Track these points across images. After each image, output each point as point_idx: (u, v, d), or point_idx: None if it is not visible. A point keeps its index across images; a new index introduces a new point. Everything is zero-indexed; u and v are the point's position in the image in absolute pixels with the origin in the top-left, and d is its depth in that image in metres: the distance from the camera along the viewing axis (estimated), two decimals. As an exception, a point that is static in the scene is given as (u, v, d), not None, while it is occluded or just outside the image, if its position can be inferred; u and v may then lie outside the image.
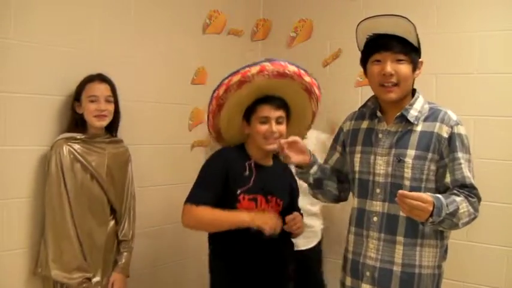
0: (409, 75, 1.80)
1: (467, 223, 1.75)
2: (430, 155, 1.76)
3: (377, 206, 1.84)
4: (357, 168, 1.91)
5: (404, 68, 1.78)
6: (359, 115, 2.00)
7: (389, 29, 1.80)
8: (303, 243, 2.78)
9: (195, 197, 2.10)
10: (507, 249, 2.75)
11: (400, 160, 1.78)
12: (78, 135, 2.23)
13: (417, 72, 1.84)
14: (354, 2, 3.20)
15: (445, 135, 1.76)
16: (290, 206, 2.26)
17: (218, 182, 2.11)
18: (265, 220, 2.00)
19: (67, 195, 2.16)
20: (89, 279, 2.17)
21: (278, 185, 2.22)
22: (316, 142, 2.86)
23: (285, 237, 2.18)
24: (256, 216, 2.02)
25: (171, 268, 2.93)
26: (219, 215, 2.05)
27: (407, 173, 1.77)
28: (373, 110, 1.90)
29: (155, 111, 2.79)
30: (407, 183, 1.77)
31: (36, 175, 2.25)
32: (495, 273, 2.77)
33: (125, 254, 2.38)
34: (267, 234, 1.98)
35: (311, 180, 2.00)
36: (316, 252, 2.97)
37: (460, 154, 1.76)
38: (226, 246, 2.15)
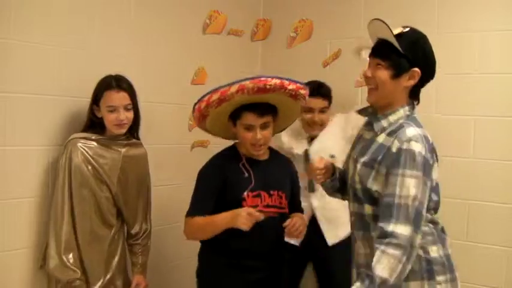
0: (386, 80, 1.77)
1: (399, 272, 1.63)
2: (376, 165, 1.75)
3: (351, 206, 1.92)
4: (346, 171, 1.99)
5: (380, 73, 1.78)
6: (365, 123, 2.01)
7: (374, 33, 1.82)
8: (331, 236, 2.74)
9: (192, 210, 2.17)
10: (507, 249, 2.75)
11: (355, 165, 1.84)
12: (94, 136, 2.22)
13: (409, 81, 1.78)
14: (354, 2, 3.20)
15: (394, 150, 1.72)
16: (291, 200, 2.27)
17: (214, 192, 2.14)
18: (238, 220, 2.01)
19: (69, 195, 2.15)
20: (80, 279, 2.15)
21: (277, 178, 2.23)
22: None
23: (280, 225, 2.18)
24: (226, 218, 2.05)
25: (171, 268, 2.93)
26: (206, 222, 2.11)
27: (357, 177, 1.81)
28: (370, 116, 1.92)
29: (155, 111, 2.79)
30: (358, 186, 1.82)
31: (36, 175, 2.25)
32: (495, 273, 2.78)
33: (140, 256, 2.39)
34: (246, 230, 2.01)
35: (329, 186, 2.10)
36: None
37: (400, 170, 1.68)
38: (219, 241, 2.15)
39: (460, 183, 2.82)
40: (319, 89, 2.78)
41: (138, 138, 2.40)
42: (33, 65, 2.22)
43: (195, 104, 2.15)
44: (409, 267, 1.64)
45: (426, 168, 1.69)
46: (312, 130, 2.82)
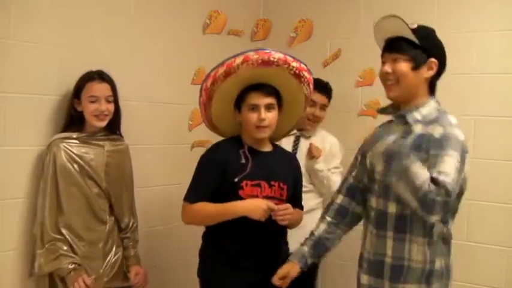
0: (407, 72, 1.79)
1: (416, 188, 1.61)
2: (418, 155, 1.73)
3: (373, 202, 1.89)
4: (368, 167, 1.94)
5: (400, 66, 1.80)
6: (382, 124, 2.00)
7: (388, 31, 1.83)
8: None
9: (191, 195, 2.16)
10: (507, 249, 2.75)
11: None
12: (75, 134, 2.23)
13: (429, 72, 1.82)
14: (354, 2, 3.20)
15: (437, 135, 1.74)
16: (293, 195, 2.25)
17: (214, 177, 2.13)
18: (252, 209, 2.02)
19: (55, 194, 2.16)
20: (79, 264, 2.15)
21: (280, 170, 2.21)
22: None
23: (280, 225, 2.17)
24: (244, 206, 2.05)
25: (171, 269, 2.93)
26: (212, 210, 2.10)
27: None
28: (395, 113, 1.91)
29: (155, 111, 2.79)
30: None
31: (35, 175, 2.24)
32: (495, 273, 2.78)
33: (132, 249, 2.42)
34: (258, 220, 2.02)
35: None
36: None
37: (442, 151, 1.69)
38: (218, 240, 2.16)
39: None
40: (326, 86, 2.88)
41: (119, 134, 2.40)
42: (33, 65, 2.22)
43: (202, 84, 2.15)
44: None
45: (463, 157, 1.71)
46: (307, 125, 2.84)
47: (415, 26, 1.81)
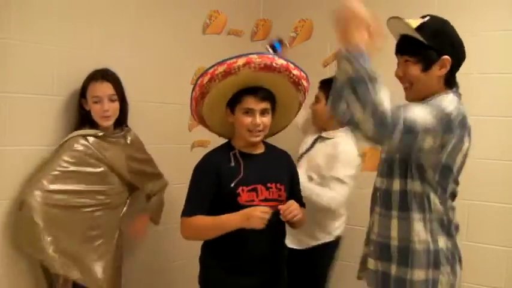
0: (418, 75, 1.78)
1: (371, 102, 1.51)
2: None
3: (378, 181, 1.89)
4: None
5: (410, 70, 1.79)
6: None
7: (395, 29, 1.82)
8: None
9: (188, 209, 2.13)
10: (507, 249, 2.76)
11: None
12: (92, 131, 2.27)
13: (442, 70, 1.77)
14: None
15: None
16: (292, 193, 2.24)
17: (209, 188, 2.11)
18: (252, 222, 1.99)
19: (64, 171, 2.18)
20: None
21: (275, 171, 2.20)
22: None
23: (280, 229, 2.18)
24: (245, 220, 2.01)
25: (171, 269, 2.93)
26: (210, 223, 2.08)
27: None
28: None
29: (155, 111, 2.79)
30: (396, 156, 1.79)
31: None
32: (495, 273, 2.78)
33: (153, 198, 2.59)
34: (260, 227, 1.99)
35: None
36: (321, 252, 2.75)
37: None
38: (219, 245, 2.14)
39: (460, 183, 2.82)
40: None
41: (126, 125, 2.46)
42: (33, 65, 2.23)
43: (197, 79, 2.12)
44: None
45: (444, 125, 1.66)
46: (331, 126, 2.78)
47: (426, 19, 1.78)
